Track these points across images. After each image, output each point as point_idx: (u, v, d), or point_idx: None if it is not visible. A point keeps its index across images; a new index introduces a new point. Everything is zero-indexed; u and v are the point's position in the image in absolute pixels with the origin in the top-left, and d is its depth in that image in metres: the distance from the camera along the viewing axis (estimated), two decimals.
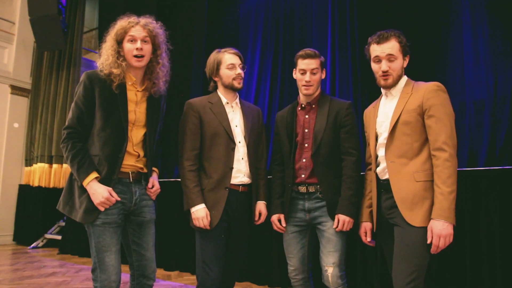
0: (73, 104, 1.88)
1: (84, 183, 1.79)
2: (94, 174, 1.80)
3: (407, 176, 1.80)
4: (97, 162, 1.83)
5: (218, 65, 2.21)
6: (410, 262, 1.72)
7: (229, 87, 2.21)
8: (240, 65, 2.21)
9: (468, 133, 3.37)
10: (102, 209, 1.79)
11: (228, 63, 2.19)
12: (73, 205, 1.84)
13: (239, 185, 2.14)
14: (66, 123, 1.87)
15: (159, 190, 2.04)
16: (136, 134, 1.93)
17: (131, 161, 1.92)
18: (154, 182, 2.01)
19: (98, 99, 1.84)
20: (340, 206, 2.03)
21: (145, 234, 1.97)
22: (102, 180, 1.81)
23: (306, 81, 2.13)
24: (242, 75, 2.21)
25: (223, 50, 2.24)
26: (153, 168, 2.06)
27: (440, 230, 1.67)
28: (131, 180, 1.91)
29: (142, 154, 1.96)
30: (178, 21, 5.63)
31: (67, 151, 1.83)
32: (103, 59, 1.88)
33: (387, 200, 1.87)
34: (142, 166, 1.96)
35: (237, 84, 2.20)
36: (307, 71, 2.13)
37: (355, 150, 2.11)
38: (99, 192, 1.78)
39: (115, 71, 1.84)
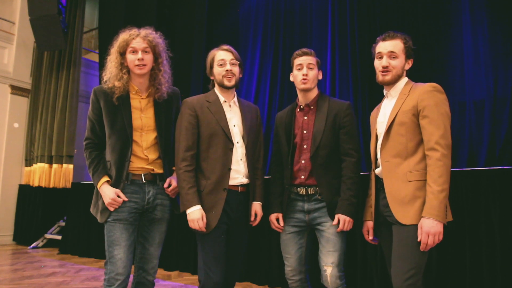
0: (87, 118, 2.10)
1: (98, 187, 2.00)
2: (105, 178, 1.99)
3: (400, 176, 1.81)
4: (109, 167, 2.02)
5: (211, 63, 2.18)
6: (407, 260, 1.73)
7: (220, 85, 2.16)
8: (232, 60, 2.14)
9: (468, 133, 3.38)
10: (111, 209, 1.96)
11: (219, 59, 2.15)
12: (97, 207, 2.03)
13: (238, 185, 2.11)
14: (85, 135, 2.10)
15: (177, 189, 2.09)
16: (146, 138, 2.05)
17: (142, 164, 2.04)
18: (171, 181, 2.09)
19: (104, 110, 2.02)
20: (340, 206, 2.03)
21: (153, 230, 2.08)
22: (113, 183, 1.98)
23: (303, 74, 2.11)
24: (234, 71, 2.14)
25: (217, 48, 2.20)
26: (174, 168, 2.13)
27: (429, 228, 1.68)
28: (143, 181, 2.03)
29: (154, 157, 2.07)
30: (178, 21, 5.62)
31: (86, 160, 2.06)
32: (108, 73, 2.05)
33: (384, 199, 1.88)
34: (154, 168, 2.06)
35: (227, 81, 2.12)
36: (304, 66, 2.12)
37: (355, 151, 2.10)
38: (107, 194, 1.95)
39: (117, 83, 2.00)
